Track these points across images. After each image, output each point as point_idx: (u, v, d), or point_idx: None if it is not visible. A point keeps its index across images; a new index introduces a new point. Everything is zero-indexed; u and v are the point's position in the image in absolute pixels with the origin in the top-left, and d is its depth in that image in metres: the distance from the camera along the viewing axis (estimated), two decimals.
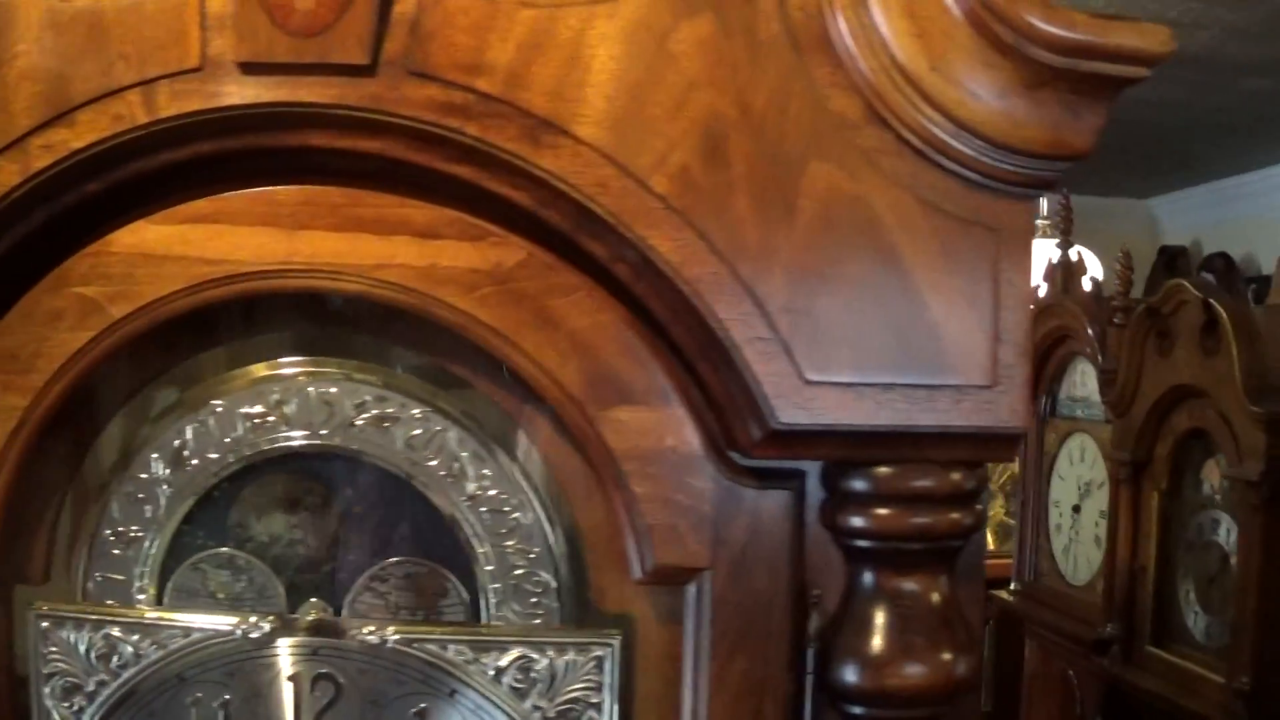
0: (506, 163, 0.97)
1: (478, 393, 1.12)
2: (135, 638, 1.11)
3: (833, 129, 0.97)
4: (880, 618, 1.04)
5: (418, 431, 1.12)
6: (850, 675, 1.04)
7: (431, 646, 1.10)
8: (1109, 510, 3.41)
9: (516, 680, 1.10)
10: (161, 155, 1.00)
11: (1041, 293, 3.84)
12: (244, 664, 1.11)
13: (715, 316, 0.96)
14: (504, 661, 1.10)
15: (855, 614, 1.05)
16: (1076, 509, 3.73)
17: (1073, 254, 3.75)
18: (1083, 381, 3.73)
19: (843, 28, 0.96)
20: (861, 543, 1.04)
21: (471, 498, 1.11)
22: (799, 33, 0.97)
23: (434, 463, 1.11)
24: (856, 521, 1.03)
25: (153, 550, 1.14)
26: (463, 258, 1.02)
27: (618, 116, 0.96)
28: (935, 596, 1.05)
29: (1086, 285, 3.68)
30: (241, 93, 0.97)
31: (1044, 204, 4.03)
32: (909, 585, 1.04)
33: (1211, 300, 2.95)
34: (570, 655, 1.10)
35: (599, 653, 1.09)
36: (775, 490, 1.04)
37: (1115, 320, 3.39)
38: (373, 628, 1.10)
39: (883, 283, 0.98)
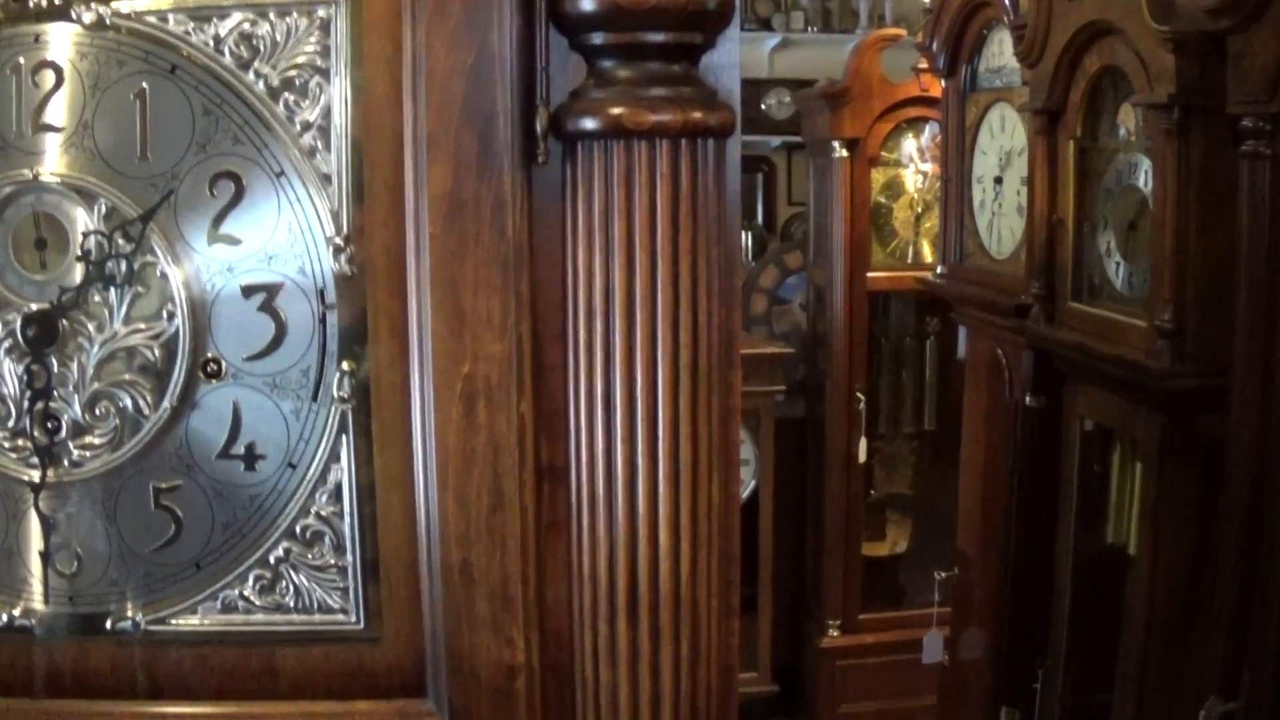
0: None
1: None
2: None
3: None
4: None
5: None
6: None
7: (151, 19, 1.03)
8: (1028, 167, 3.33)
9: (237, 47, 1.03)
10: None
11: None
12: None
13: None
14: (224, 30, 1.02)
15: None
16: (999, 180, 3.65)
17: None
18: (1000, 51, 3.62)
19: None
20: None
21: None
22: None
23: None
24: None
25: None
26: None
27: None
28: None
29: None
30: None
31: None
32: None
33: None
34: (293, 17, 1.02)
35: (323, 13, 1.02)
36: None
37: None
38: (94, 5, 1.03)
39: None
